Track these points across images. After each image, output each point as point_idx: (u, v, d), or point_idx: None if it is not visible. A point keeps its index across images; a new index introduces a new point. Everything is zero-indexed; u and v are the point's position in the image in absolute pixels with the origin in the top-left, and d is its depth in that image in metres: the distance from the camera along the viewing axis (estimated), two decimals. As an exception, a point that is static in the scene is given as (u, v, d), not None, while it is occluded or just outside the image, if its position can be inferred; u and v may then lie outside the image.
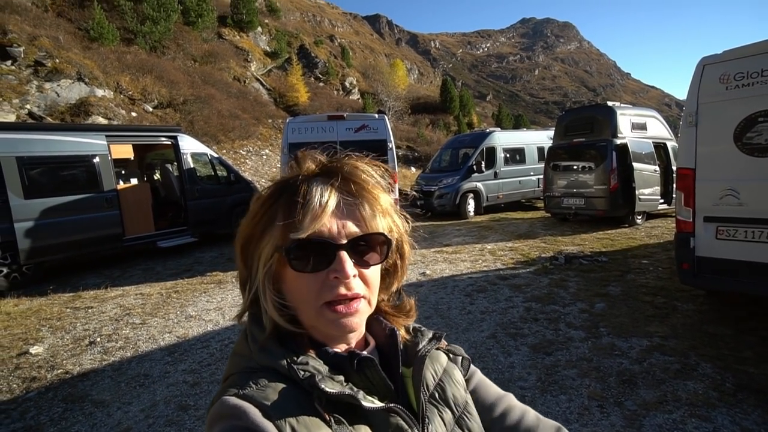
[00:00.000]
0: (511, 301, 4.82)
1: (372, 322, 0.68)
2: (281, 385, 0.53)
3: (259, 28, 34.95)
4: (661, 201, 9.26)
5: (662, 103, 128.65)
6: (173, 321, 4.71)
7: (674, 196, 5.17)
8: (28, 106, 13.02)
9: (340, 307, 0.57)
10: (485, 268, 6.29)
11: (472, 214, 11.44)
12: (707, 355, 3.33)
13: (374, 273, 0.62)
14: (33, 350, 4.00)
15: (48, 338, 4.36)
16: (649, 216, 9.50)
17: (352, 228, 0.58)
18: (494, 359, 3.45)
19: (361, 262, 0.59)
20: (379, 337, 0.69)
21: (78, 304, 5.45)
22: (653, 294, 4.79)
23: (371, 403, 0.55)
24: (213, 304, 5.23)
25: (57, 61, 14.73)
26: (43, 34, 15.64)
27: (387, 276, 0.69)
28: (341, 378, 0.57)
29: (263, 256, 0.59)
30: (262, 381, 0.54)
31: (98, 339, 4.27)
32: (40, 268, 6.54)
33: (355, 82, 40.08)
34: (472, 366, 0.75)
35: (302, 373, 0.54)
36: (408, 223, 0.69)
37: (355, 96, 37.92)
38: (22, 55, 13.99)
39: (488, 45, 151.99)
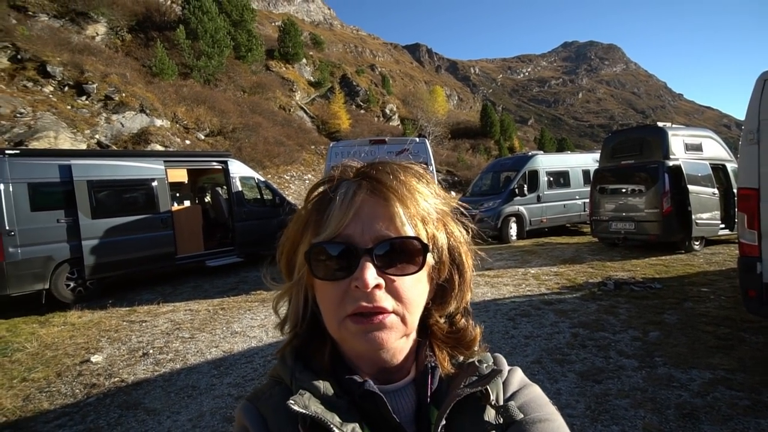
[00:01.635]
0: (556, 327, 4.62)
1: (420, 348, 0.60)
2: (283, 398, 0.52)
3: (304, 60, 36.82)
4: (722, 226, 8.66)
5: (720, 124, 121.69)
6: (220, 336, 4.89)
7: (736, 219, 4.84)
8: (97, 136, 14.31)
9: (363, 319, 0.51)
10: (529, 293, 6.10)
11: (514, 238, 11.17)
12: (782, 392, 3.03)
13: (409, 285, 0.53)
14: (93, 359, 4.27)
15: (107, 348, 4.64)
16: (709, 242, 8.89)
17: (379, 231, 0.51)
18: (540, 385, 3.29)
19: (390, 271, 0.51)
20: (420, 367, 0.59)
21: (133, 317, 5.79)
22: (715, 324, 4.44)
23: None
24: (257, 321, 5.38)
25: (123, 95, 16.18)
26: (113, 71, 17.30)
27: (442, 293, 0.59)
28: (342, 404, 0.52)
29: (297, 264, 0.57)
30: (273, 390, 0.56)
31: (151, 351, 4.50)
32: (101, 283, 7.03)
33: (395, 109, 40.99)
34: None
35: (297, 390, 0.53)
36: (468, 232, 0.61)
37: (395, 122, 38.70)
38: (95, 91, 15.50)
39: (529, 69, 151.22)
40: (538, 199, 11.56)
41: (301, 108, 29.94)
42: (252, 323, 5.31)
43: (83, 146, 13.36)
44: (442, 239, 0.57)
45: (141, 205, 7.37)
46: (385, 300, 0.51)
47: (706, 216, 8.31)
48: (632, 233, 8.74)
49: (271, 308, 0.62)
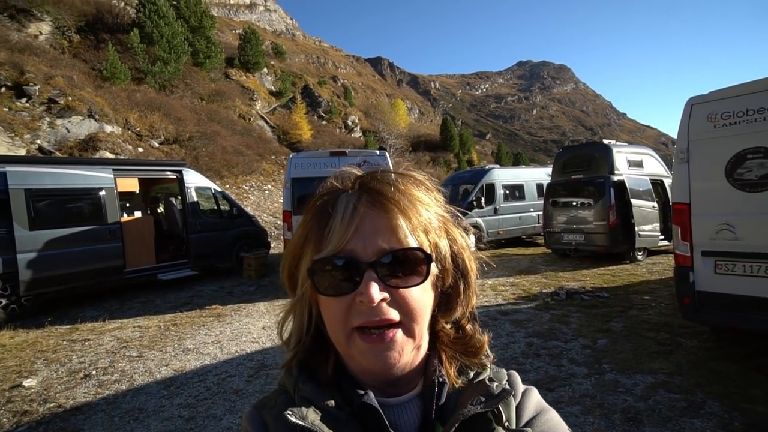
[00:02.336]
0: (512, 337, 4.76)
1: (429, 360, 0.58)
2: (285, 407, 0.52)
3: (265, 69, 36.35)
4: (662, 237, 9.29)
5: (659, 142, 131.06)
6: (171, 354, 4.65)
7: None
8: (39, 141, 13.37)
9: (372, 337, 0.50)
10: (486, 304, 6.25)
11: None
12: (714, 393, 3.26)
13: (414, 296, 0.52)
14: (26, 383, 3.93)
15: (42, 371, 4.29)
16: (650, 252, 9.51)
17: (381, 245, 0.51)
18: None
19: (395, 283, 0.51)
20: (428, 380, 0.57)
21: (75, 336, 5.39)
22: (656, 330, 4.74)
23: None
24: (211, 337, 5.17)
25: (70, 98, 15.26)
26: (58, 74, 16.29)
27: (447, 299, 0.59)
28: (342, 416, 0.52)
29: (300, 279, 0.56)
30: (278, 399, 0.56)
31: (94, 372, 4.20)
32: (38, 299, 6.51)
33: (357, 121, 41.18)
34: None
35: (299, 399, 0.54)
36: (469, 236, 0.61)
37: (357, 134, 38.85)
38: (37, 93, 14.52)
39: (487, 86, 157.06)
40: (495, 212, 11.94)
41: (262, 117, 29.44)
42: (206, 339, 5.09)
43: (22, 151, 12.45)
44: (445, 247, 0.56)
45: (87, 215, 6.93)
46: (390, 312, 0.51)
47: (648, 228, 8.90)
48: (582, 244, 9.19)
49: (276, 330, 0.62)
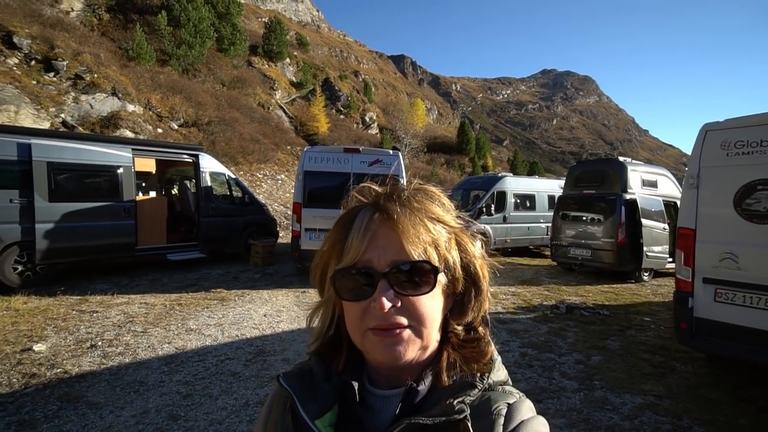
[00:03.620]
0: (507, 345, 4.81)
1: (434, 360, 0.63)
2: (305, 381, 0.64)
3: (288, 59, 36.57)
4: (670, 259, 9.19)
5: (680, 162, 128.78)
6: (173, 332, 4.80)
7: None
8: (63, 115, 13.71)
9: (383, 332, 0.57)
10: (485, 310, 6.28)
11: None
12: (701, 419, 3.28)
13: (423, 303, 0.58)
14: (36, 348, 4.11)
15: (52, 337, 4.47)
16: (657, 274, 9.43)
17: (393, 257, 0.57)
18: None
19: (405, 292, 0.57)
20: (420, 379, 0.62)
21: (84, 307, 5.59)
22: (652, 352, 4.75)
23: (310, 415, 0.59)
24: (214, 320, 5.32)
25: (95, 76, 15.59)
26: (86, 50, 16.64)
27: (460, 305, 0.64)
28: (326, 388, 0.62)
29: (326, 285, 0.64)
30: (302, 369, 0.67)
31: (99, 343, 4.37)
32: (52, 269, 6.74)
33: (375, 117, 41.24)
34: None
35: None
36: (482, 245, 0.66)
37: (374, 131, 38.92)
38: (65, 68, 14.87)
39: (508, 92, 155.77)
40: (504, 220, 11.94)
41: (281, 107, 29.67)
42: (208, 321, 5.24)
43: (46, 124, 12.78)
44: (455, 257, 0.62)
45: (104, 191, 7.14)
46: (400, 317, 0.57)
47: (657, 249, 8.83)
48: (588, 260, 9.16)
49: (306, 324, 0.70)
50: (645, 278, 9.00)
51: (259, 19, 45.09)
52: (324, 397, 0.61)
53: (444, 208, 0.63)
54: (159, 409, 3.13)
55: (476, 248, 0.65)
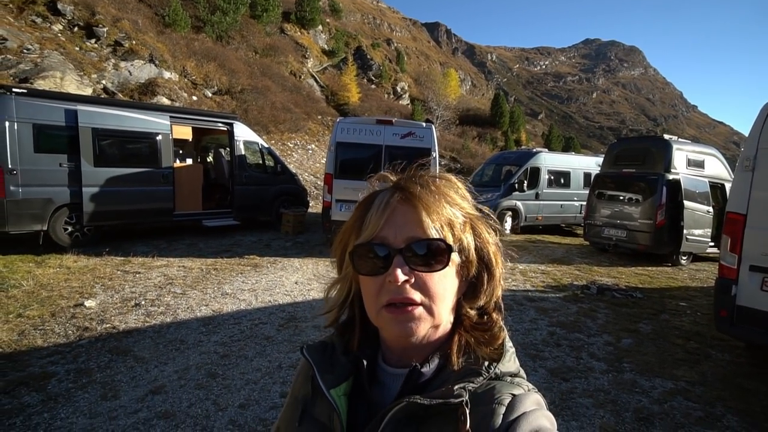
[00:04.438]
0: (535, 323, 4.80)
1: (446, 340, 0.65)
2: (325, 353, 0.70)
3: (320, 27, 35.96)
4: (711, 244, 8.80)
5: (730, 141, 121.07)
6: (210, 295, 5.04)
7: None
8: (104, 82, 14.12)
9: (396, 309, 0.59)
10: (514, 288, 6.26)
11: (508, 232, 11.31)
12: (735, 408, 3.21)
13: (436, 280, 0.60)
14: (87, 303, 4.42)
15: (100, 295, 4.79)
16: (696, 258, 9.06)
17: (409, 234, 0.60)
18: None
19: (419, 268, 0.59)
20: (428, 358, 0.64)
21: (128, 268, 5.92)
22: (686, 338, 4.63)
23: (326, 384, 0.63)
24: (248, 285, 5.53)
25: (134, 42, 15.88)
26: (125, 17, 16.90)
27: (473, 288, 0.66)
28: (343, 361, 0.67)
29: (345, 262, 0.67)
30: (325, 343, 0.72)
31: (143, 302, 4.65)
32: (98, 230, 7.13)
33: (406, 88, 40.37)
34: None
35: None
36: (497, 233, 0.67)
37: (405, 101, 38.21)
38: (105, 35, 15.20)
39: (547, 63, 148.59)
40: (537, 197, 11.65)
41: (312, 76, 29.46)
42: (243, 286, 5.46)
43: (89, 90, 13.21)
44: (469, 240, 0.64)
45: (144, 158, 7.41)
46: (413, 293, 0.59)
47: (698, 232, 8.45)
48: (623, 241, 8.88)
49: (323, 294, 0.72)
50: (683, 262, 8.67)
51: (292, -16, 44.23)
52: (341, 369, 0.66)
53: (461, 195, 0.66)
54: (199, 367, 3.33)
55: (492, 236, 0.66)
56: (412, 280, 0.59)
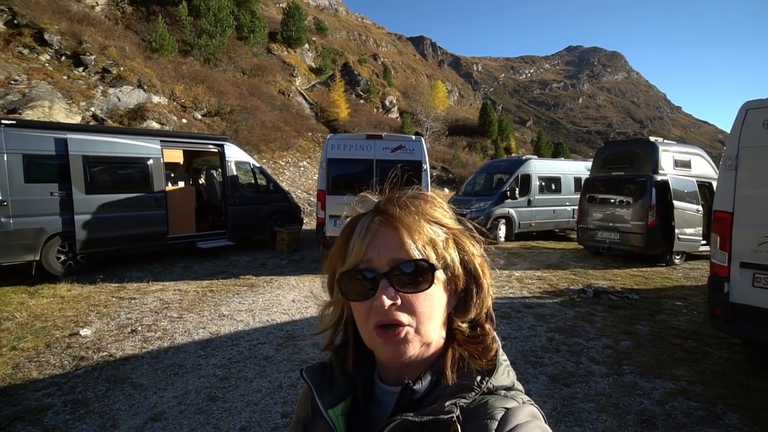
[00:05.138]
0: (533, 330, 4.81)
1: (437, 359, 0.65)
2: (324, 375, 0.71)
3: (307, 45, 36.44)
4: (703, 242, 8.90)
5: (715, 140, 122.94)
6: (207, 318, 5.00)
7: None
8: (93, 109, 14.13)
9: (387, 333, 0.60)
10: (511, 295, 6.28)
11: (502, 239, 11.37)
12: (736, 406, 3.23)
13: (422, 300, 0.61)
14: (82, 332, 4.37)
15: (95, 323, 4.73)
16: (690, 257, 9.15)
17: (391, 256, 0.60)
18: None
19: (405, 289, 0.60)
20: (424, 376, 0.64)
21: (123, 294, 5.87)
22: (684, 337, 4.66)
23: (324, 404, 0.65)
24: (245, 305, 5.50)
25: (121, 69, 15.96)
26: (112, 44, 17.01)
27: (463, 302, 0.66)
28: (341, 380, 0.68)
29: (335, 287, 0.67)
30: (324, 364, 0.74)
31: (139, 328, 4.60)
32: (92, 258, 7.07)
33: (395, 101, 40.84)
34: None
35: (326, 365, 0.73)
36: (480, 245, 0.68)
37: (394, 115, 38.60)
38: (93, 63, 15.28)
39: (532, 71, 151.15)
40: (529, 203, 11.75)
41: (301, 94, 29.73)
42: (240, 307, 5.42)
43: (78, 118, 13.22)
44: (454, 256, 0.64)
45: (135, 183, 7.40)
46: (401, 315, 0.60)
47: (689, 232, 8.56)
48: (617, 243, 8.96)
49: (318, 318, 0.74)
50: (676, 261, 8.75)
51: (277, 5, 44.88)
52: (339, 389, 0.67)
53: (441, 211, 0.66)
54: (198, 391, 3.30)
55: (476, 248, 0.67)
56: (399, 302, 0.60)
